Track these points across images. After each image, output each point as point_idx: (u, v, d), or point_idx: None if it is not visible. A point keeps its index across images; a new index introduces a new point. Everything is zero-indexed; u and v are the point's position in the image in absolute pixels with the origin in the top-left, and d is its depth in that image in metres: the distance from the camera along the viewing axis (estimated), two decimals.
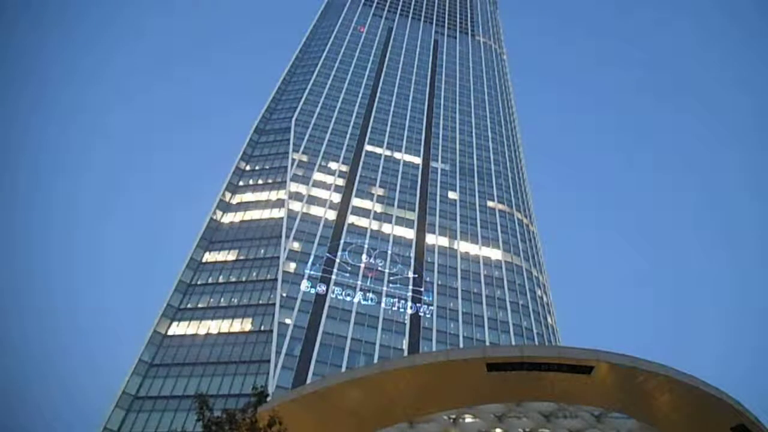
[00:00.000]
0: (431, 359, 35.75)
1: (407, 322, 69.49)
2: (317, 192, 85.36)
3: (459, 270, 79.55)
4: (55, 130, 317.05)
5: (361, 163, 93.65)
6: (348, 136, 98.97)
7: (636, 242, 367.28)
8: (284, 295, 67.62)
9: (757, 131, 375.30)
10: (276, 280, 69.35)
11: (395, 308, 70.14)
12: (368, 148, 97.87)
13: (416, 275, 75.38)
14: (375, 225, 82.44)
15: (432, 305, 72.09)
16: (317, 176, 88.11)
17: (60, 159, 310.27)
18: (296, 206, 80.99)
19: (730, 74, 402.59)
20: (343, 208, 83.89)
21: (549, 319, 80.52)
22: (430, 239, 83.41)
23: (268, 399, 28.83)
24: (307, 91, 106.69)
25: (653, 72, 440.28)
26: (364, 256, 75.72)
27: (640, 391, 33.23)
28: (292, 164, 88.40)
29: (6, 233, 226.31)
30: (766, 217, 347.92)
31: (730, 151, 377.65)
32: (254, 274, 71.76)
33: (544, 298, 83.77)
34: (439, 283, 76.49)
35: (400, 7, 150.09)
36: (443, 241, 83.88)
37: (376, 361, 61.69)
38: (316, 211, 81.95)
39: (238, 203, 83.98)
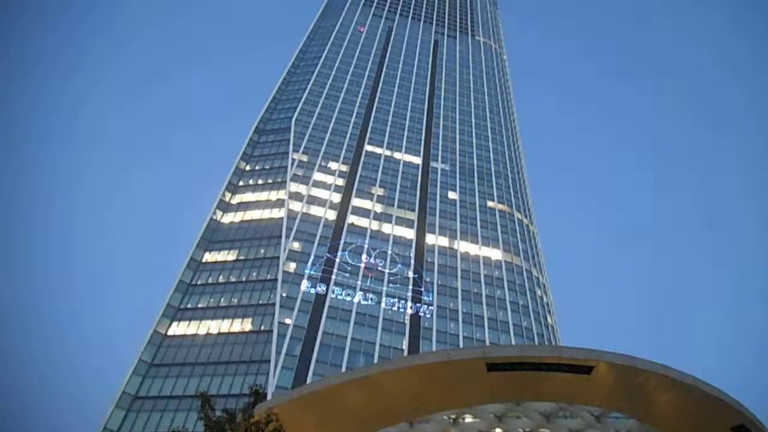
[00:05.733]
0: (431, 359, 35.74)
1: (407, 322, 69.46)
2: (317, 192, 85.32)
3: (459, 270, 79.50)
4: (56, 129, 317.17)
5: (361, 163, 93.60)
6: (348, 136, 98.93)
7: (636, 242, 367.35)
8: (284, 295, 67.60)
9: (756, 131, 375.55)
10: (276, 280, 69.32)
11: (395, 308, 70.11)
12: (368, 148, 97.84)
13: (416, 275, 75.37)
14: (375, 225, 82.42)
15: (432, 305, 72.04)
16: (317, 176, 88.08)
17: (61, 158, 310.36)
18: (296, 206, 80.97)
19: (729, 75, 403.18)
20: (343, 208, 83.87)
21: (549, 319, 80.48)
22: (430, 239, 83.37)
23: (268, 398, 28.81)
24: (307, 91, 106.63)
25: (653, 73, 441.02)
26: (364, 256, 75.70)
27: (640, 391, 33.22)
28: (292, 164, 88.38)
29: (6, 233, 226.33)
30: (765, 216, 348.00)
31: (729, 151, 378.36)
32: (254, 274, 71.74)
33: (544, 298, 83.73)
34: (439, 283, 76.44)
35: (400, 7, 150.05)
36: (443, 241, 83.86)
37: (376, 361, 61.67)
38: (316, 211, 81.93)
39: (238, 203, 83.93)
